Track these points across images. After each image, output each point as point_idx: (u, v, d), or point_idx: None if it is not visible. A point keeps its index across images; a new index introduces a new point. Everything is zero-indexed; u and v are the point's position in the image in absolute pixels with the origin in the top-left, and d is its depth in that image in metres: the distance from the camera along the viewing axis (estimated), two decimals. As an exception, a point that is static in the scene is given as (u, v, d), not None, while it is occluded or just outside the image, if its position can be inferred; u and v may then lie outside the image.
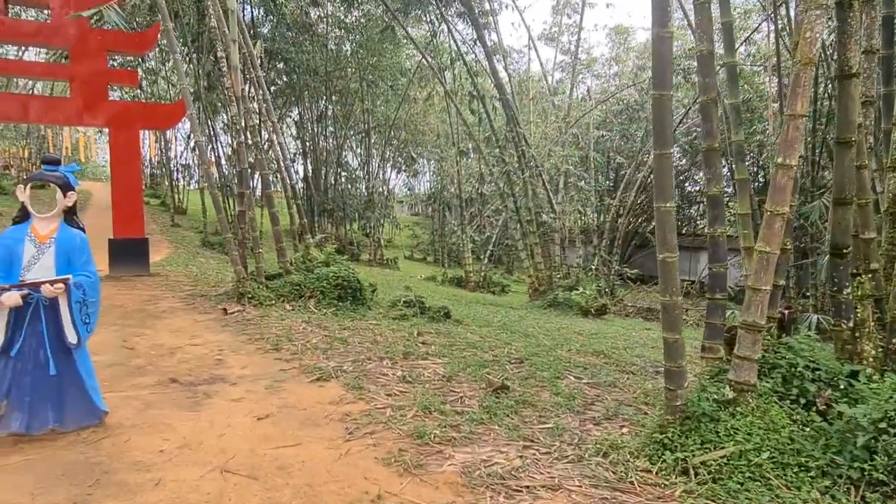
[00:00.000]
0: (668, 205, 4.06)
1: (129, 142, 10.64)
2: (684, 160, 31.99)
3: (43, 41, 10.15)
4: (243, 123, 9.14)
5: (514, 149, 15.11)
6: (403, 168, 32.86)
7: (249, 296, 8.53)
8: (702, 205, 37.44)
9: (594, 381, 6.06)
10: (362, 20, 26.45)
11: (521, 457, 3.91)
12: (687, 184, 34.97)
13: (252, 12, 23.77)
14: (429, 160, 35.20)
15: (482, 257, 23.92)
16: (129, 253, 10.73)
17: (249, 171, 9.38)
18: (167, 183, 33.91)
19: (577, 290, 14.14)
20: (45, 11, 10.09)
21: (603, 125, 24.75)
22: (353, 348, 6.73)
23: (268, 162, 10.62)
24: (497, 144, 15.56)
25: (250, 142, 9.59)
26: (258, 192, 17.03)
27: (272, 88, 28.13)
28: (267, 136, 11.68)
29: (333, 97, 28.57)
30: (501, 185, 15.60)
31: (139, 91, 24.66)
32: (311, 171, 29.78)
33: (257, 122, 10.84)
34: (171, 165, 33.31)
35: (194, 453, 3.85)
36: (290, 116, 32.31)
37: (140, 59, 23.53)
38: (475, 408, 4.89)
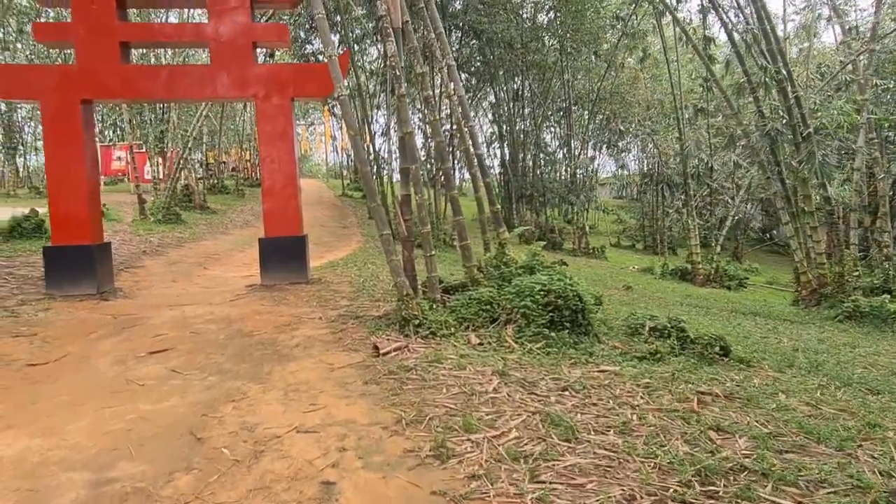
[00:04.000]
0: None
1: (279, 114, 8.16)
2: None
3: (178, 1, 7.98)
4: (407, 70, 6.08)
5: (781, 98, 10.52)
6: (612, 145, 28.42)
7: (416, 322, 5.45)
8: None
9: None
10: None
11: None
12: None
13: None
14: (636, 136, 30.31)
15: (714, 244, 19.02)
16: (281, 255, 8.28)
17: (414, 139, 6.31)
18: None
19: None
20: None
21: (877, 73, 18.37)
22: (587, 453, 3.27)
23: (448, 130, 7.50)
24: (752, 93, 11.01)
25: (420, 95, 6.50)
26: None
27: (470, 68, 25.49)
28: (440, 90, 8.60)
29: (530, 73, 25.16)
30: (761, 149, 11.02)
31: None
32: (508, 155, 26.78)
33: (427, 69, 7.67)
34: (371, 155, 32.15)
35: None
36: (487, 100, 29.56)
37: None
38: None
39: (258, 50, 8.43)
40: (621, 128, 25.76)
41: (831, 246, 10.45)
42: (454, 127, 15.18)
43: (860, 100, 10.88)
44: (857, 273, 10.28)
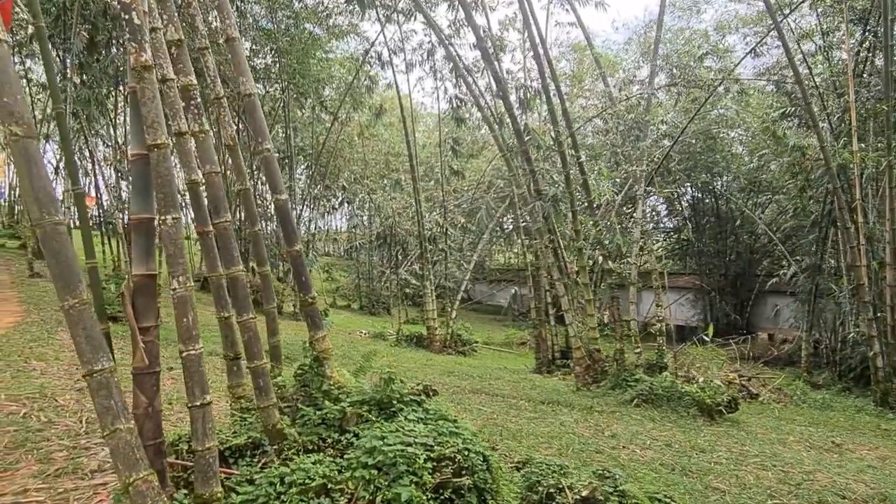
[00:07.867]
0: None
1: None
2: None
3: None
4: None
5: (561, 163, 9.58)
6: (343, 201, 26.33)
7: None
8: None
9: None
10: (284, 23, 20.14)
11: None
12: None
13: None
14: (355, 194, 28.78)
15: (449, 309, 17.95)
16: None
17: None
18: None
19: (671, 373, 8.69)
20: None
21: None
22: None
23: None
24: (524, 155, 9.91)
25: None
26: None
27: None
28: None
29: (245, 116, 21.84)
30: (540, 215, 9.93)
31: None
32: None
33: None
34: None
35: None
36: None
37: None
38: None
39: None
40: (345, 183, 23.90)
41: (612, 320, 9.68)
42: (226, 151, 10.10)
43: (632, 170, 10.63)
44: (638, 350, 9.65)
